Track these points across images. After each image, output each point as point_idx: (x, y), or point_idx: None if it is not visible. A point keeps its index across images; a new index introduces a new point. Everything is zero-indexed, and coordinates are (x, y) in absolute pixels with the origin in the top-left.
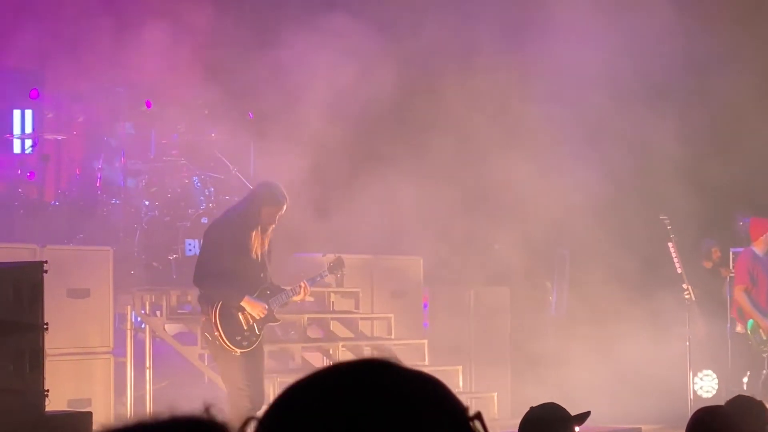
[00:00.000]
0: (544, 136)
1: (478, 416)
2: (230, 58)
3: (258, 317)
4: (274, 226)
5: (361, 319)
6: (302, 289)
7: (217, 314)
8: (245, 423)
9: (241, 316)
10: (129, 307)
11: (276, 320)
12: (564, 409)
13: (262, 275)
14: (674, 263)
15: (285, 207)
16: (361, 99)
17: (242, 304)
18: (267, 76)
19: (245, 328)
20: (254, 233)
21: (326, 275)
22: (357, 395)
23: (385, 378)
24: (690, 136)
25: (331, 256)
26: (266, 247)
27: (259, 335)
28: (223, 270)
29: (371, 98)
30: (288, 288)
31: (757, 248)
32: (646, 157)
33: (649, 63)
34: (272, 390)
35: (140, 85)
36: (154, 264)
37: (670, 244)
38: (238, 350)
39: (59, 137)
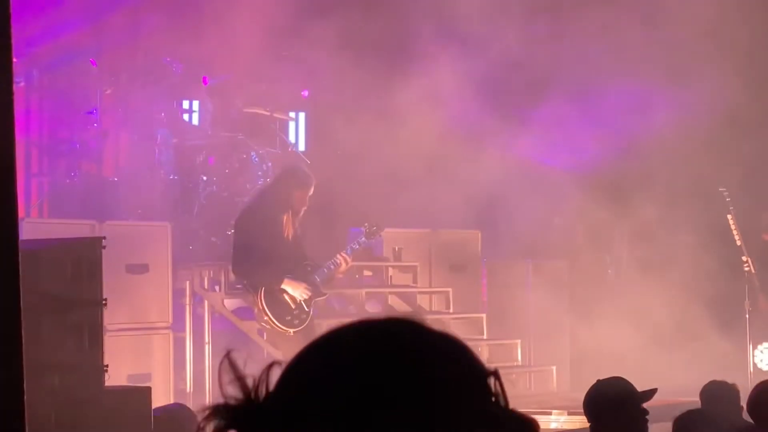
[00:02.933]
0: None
1: (495, 373)
2: (289, 33)
3: (301, 298)
4: (305, 208)
5: (419, 293)
6: (342, 260)
7: (262, 299)
8: (269, 366)
9: (287, 297)
10: (188, 282)
11: (323, 294)
12: (631, 385)
13: (299, 255)
14: (734, 235)
15: (312, 187)
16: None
17: (283, 286)
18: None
19: (293, 307)
20: (285, 216)
21: (363, 242)
22: (379, 350)
23: (407, 334)
24: (751, 108)
25: (368, 224)
26: (298, 228)
27: (309, 312)
28: (259, 255)
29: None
30: (328, 262)
31: None
32: (704, 128)
33: None
34: None
35: (198, 61)
36: (213, 239)
37: (729, 216)
38: (291, 330)
39: (117, 113)
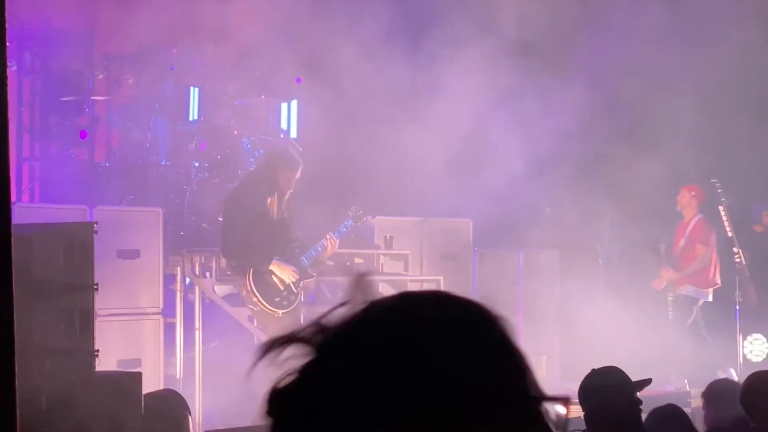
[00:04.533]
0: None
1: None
2: (283, 20)
3: (288, 279)
4: (291, 191)
5: (411, 281)
6: (329, 242)
7: (251, 281)
8: (288, 339)
9: (275, 278)
10: (179, 268)
11: (311, 276)
12: (625, 374)
13: (286, 236)
14: (725, 227)
15: (299, 171)
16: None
17: (270, 267)
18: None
19: (282, 288)
20: (270, 199)
21: (350, 224)
22: (425, 320)
23: (448, 303)
24: (745, 102)
25: (355, 207)
26: (285, 210)
27: (297, 293)
28: (246, 238)
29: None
30: (316, 244)
31: None
32: (698, 121)
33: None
34: None
35: (190, 47)
36: (204, 225)
37: (720, 208)
38: (280, 311)
39: (109, 98)
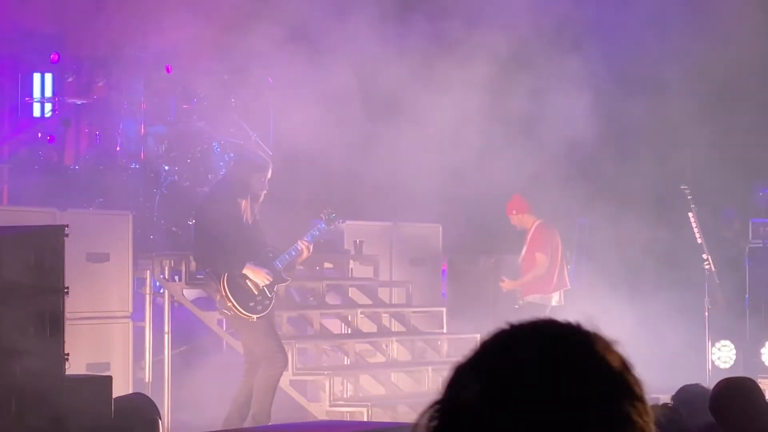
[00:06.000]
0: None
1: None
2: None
3: (262, 283)
4: (265, 191)
5: (380, 286)
6: (303, 247)
7: (225, 286)
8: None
9: (249, 283)
10: (148, 271)
11: (285, 280)
12: None
13: (261, 241)
14: (695, 233)
15: (270, 170)
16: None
17: (244, 271)
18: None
19: (256, 293)
20: (244, 202)
21: (323, 228)
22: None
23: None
24: (710, 107)
25: (327, 211)
26: (257, 214)
27: (272, 298)
28: (220, 241)
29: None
30: (289, 248)
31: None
32: (666, 127)
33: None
34: (291, 355)
35: (160, 50)
36: (174, 229)
37: (690, 214)
38: (254, 316)
39: (79, 101)
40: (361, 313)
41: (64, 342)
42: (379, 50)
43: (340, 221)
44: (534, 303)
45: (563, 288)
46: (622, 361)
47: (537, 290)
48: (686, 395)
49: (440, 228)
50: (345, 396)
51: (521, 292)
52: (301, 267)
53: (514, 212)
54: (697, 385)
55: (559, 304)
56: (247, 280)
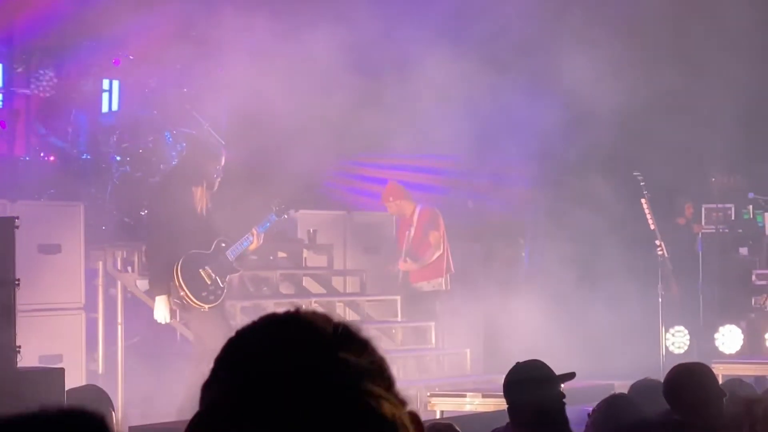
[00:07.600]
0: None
1: None
2: (203, 12)
3: (215, 273)
4: (219, 179)
5: (334, 275)
6: (255, 237)
7: (179, 275)
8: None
9: (202, 272)
10: (100, 262)
11: (236, 271)
12: (549, 368)
13: (213, 230)
14: (647, 220)
15: (223, 157)
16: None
17: (157, 297)
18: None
19: (209, 282)
20: (199, 190)
21: (274, 219)
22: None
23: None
24: (664, 95)
25: (277, 201)
26: (210, 203)
27: (223, 288)
28: (172, 234)
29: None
30: (242, 238)
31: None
32: (620, 114)
33: None
34: None
35: (111, 40)
36: (126, 220)
37: (643, 201)
38: (206, 305)
39: (29, 92)
40: (315, 302)
41: (15, 334)
42: (331, 34)
43: (291, 211)
44: (425, 291)
45: (450, 273)
46: (339, 332)
47: (433, 274)
48: (638, 389)
49: (395, 217)
50: None
51: (410, 279)
52: (255, 257)
53: (391, 199)
54: (646, 379)
55: (446, 289)
56: (200, 269)
